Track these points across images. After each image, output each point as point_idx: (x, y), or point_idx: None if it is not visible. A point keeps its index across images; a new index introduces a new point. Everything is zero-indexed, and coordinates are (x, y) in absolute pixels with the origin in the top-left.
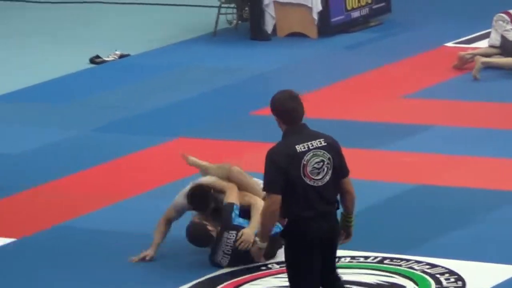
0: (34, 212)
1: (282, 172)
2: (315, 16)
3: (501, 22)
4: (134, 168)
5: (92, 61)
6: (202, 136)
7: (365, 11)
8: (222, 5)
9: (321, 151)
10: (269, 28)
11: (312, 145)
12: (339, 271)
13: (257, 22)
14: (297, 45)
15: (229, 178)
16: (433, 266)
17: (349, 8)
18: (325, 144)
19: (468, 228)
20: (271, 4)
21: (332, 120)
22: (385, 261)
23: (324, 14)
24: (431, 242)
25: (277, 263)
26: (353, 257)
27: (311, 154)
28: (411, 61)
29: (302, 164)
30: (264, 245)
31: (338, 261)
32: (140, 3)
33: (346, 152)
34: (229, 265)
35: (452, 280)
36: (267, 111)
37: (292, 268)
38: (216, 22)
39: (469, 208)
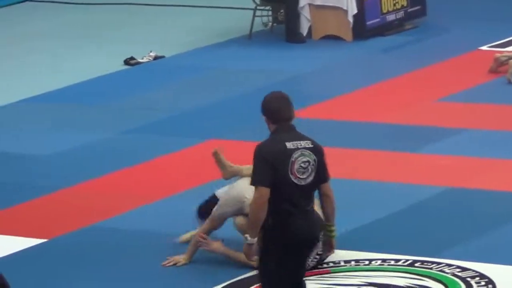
0: (64, 213)
1: (270, 166)
2: (350, 19)
3: None
4: (165, 170)
5: (126, 62)
6: (234, 138)
7: (400, 14)
8: (258, 8)
9: (307, 152)
10: (304, 30)
11: (301, 145)
12: (370, 273)
13: (293, 24)
14: (332, 47)
15: None
16: (463, 269)
17: (384, 11)
18: (312, 146)
19: (500, 231)
20: (306, 6)
21: (366, 123)
22: (415, 264)
23: (359, 17)
24: (462, 245)
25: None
26: (384, 260)
27: (299, 153)
28: (446, 64)
29: (290, 161)
30: (255, 240)
31: (369, 264)
32: (176, 5)
33: (379, 154)
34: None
35: (483, 283)
36: (299, 114)
37: (270, 264)
38: (251, 25)
39: (501, 211)
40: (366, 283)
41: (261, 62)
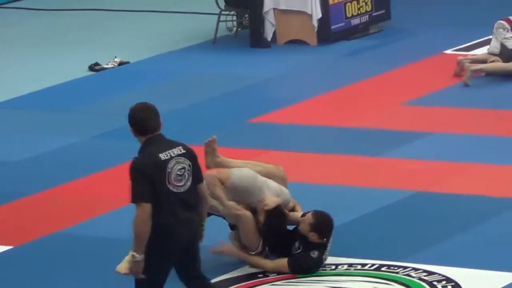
0: (31, 219)
1: (149, 180)
2: (315, 23)
3: (501, 30)
4: None
5: (91, 68)
6: (201, 143)
7: (365, 18)
8: (222, 13)
9: (182, 158)
10: (268, 35)
11: (174, 153)
12: (337, 278)
13: (257, 29)
14: (297, 52)
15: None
16: (430, 273)
17: (349, 15)
18: (185, 151)
19: (466, 235)
20: (271, 11)
21: (331, 127)
22: (382, 269)
23: (324, 21)
24: (429, 249)
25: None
26: (350, 265)
27: (174, 161)
28: (410, 68)
29: (166, 172)
30: (142, 257)
31: (335, 268)
32: (139, 11)
33: (346, 159)
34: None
35: (449, 287)
36: (265, 118)
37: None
38: (216, 29)
39: (468, 215)
40: None
41: (226, 67)
